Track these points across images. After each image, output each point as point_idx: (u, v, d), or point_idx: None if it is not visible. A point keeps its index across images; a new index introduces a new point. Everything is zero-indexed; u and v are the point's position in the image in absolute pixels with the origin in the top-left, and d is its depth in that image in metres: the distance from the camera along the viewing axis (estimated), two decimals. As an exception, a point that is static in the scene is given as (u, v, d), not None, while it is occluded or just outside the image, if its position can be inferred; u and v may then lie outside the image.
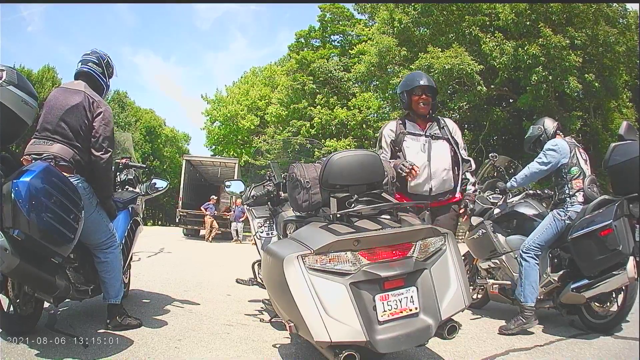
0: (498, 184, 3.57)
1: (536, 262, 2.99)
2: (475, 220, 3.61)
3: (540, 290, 2.99)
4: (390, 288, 1.82)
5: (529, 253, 3.00)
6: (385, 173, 2.20)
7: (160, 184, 3.38)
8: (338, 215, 1.96)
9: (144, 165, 3.53)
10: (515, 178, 3.26)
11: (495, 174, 3.74)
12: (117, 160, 3.11)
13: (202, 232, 13.36)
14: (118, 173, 3.13)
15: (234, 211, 12.81)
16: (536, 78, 13.12)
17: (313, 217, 2.16)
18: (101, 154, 2.41)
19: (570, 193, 3.01)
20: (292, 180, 2.20)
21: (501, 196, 3.54)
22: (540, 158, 3.10)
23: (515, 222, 3.41)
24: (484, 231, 3.47)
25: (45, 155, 2.27)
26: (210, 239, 12.56)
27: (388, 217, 2.02)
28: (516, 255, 3.18)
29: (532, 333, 2.90)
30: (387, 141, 2.81)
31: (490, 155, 3.78)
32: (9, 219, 1.87)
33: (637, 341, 2.61)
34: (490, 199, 3.67)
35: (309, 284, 1.70)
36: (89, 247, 2.50)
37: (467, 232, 3.73)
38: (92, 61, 2.59)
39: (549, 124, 3.31)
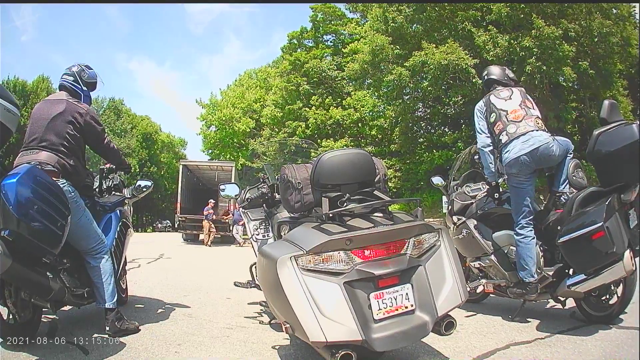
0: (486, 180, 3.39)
1: (524, 236, 2.86)
2: (457, 219, 3.47)
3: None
4: (384, 286, 1.82)
5: (516, 228, 2.91)
6: (377, 171, 2.20)
7: (144, 184, 3.33)
8: (330, 215, 1.96)
9: (129, 166, 3.47)
10: (487, 168, 3.08)
11: (477, 167, 3.58)
12: (101, 167, 3.15)
13: (202, 236, 13.35)
14: (103, 180, 3.12)
15: (233, 215, 12.78)
16: (530, 69, 13.10)
17: (306, 218, 2.15)
18: (106, 148, 2.76)
19: (497, 139, 2.93)
20: (283, 182, 2.19)
21: (481, 189, 3.42)
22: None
23: (496, 219, 3.19)
24: (468, 231, 3.29)
25: (32, 162, 2.33)
26: (209, 243, 12.54)
27: (381, 214, 2.02)
28: (506, 251, 3.08)
29: (530, 320, 2.91)
30: None
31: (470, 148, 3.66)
32: None
33: (637, 330, 2.60)
34: (469, 192, 3.50)
35: (302, 285, 1.70)
36: (80, 252, 2.55)
37: (452, 231, 3.50)
38: (65, 73, 2.79)
39: (494, 71, 3.16)
